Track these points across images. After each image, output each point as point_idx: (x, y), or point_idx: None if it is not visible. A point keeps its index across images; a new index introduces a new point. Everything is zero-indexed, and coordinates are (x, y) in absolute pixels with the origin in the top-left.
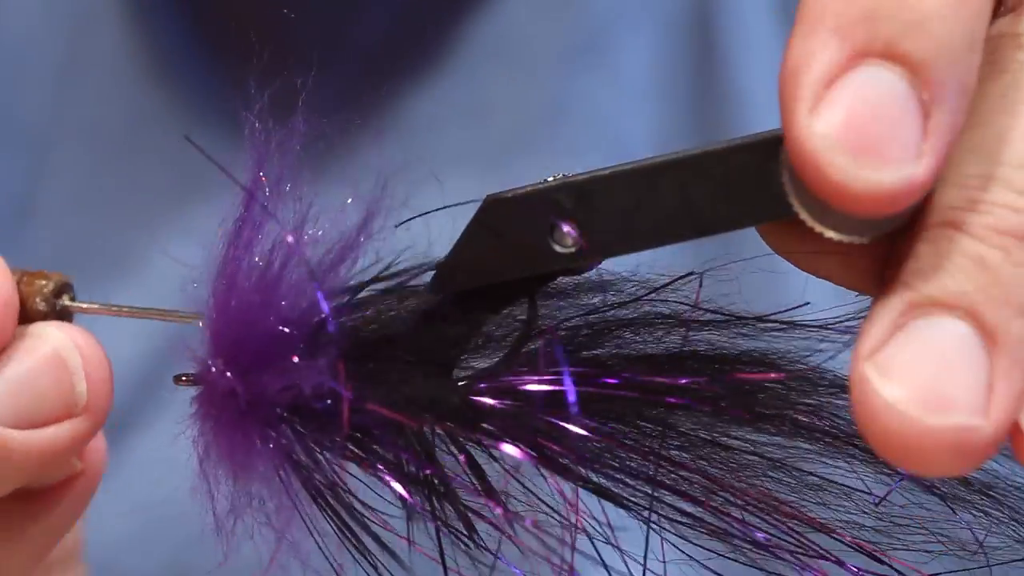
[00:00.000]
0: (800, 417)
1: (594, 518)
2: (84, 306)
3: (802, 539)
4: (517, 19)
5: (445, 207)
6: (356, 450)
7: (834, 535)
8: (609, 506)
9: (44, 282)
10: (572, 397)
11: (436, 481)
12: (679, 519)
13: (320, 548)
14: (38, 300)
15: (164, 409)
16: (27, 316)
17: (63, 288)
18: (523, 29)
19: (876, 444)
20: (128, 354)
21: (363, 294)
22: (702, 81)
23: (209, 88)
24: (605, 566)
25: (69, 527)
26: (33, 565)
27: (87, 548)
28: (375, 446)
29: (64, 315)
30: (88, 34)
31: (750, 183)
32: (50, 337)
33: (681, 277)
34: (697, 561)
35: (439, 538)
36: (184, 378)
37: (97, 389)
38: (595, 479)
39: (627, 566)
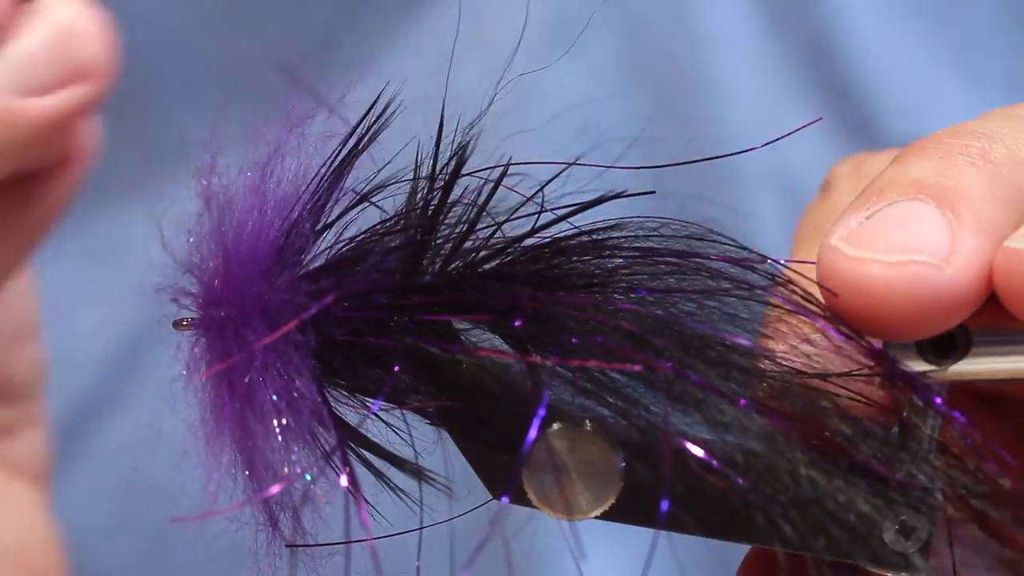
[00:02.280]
0: None
1: None
2: None
3: None
4: (486, 6)
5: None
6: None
7: None
8: None
9: None
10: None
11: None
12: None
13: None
14: None
15: (138, 393)
16: None
17: None
18: (493, 17)
19: (842, 300)
20: (100, 339)
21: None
22: (676, 69)
23: (173, 66)
24: None
25: (58, 214)
26: (23, 255)
27: (62, 533)
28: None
29: None
30: None
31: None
32: (57, 9)
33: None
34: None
35: None
36: (184, 323)
37: (103, 54)
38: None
39: None
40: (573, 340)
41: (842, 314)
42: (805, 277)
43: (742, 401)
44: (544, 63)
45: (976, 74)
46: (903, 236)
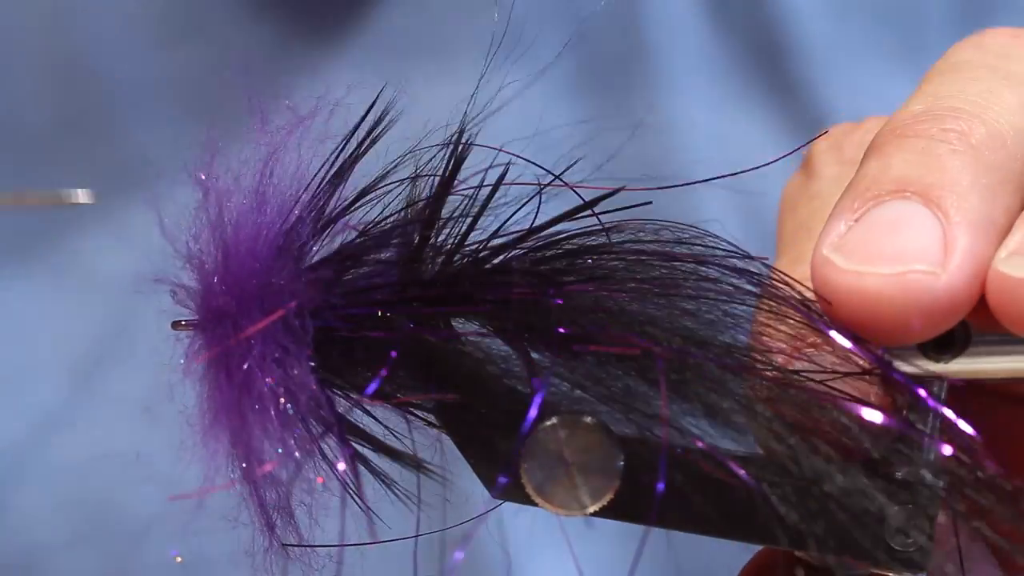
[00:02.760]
0: None
1: None
2: None
3: None
4: (435, 13)
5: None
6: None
7: None
8: None
9: None
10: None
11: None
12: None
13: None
14: None
15: (96, 405)
16: None
17: None
18: (442, 24)
19: (839, 312)
20: (59, 354)
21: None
22: (626, 73)
23: (132, 86)
24: None
25: None
26: None
27: (20, 548)
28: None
29: None
30: (8, 34)
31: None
32: None
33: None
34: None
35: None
36: (183, 323)
37: None
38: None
39: None
40: (571, 331)
41: (839, 322)
42: (801, 285)
43: (743, 391)
44: (495, 67)
45: (924, 69)
46: (895, 243)
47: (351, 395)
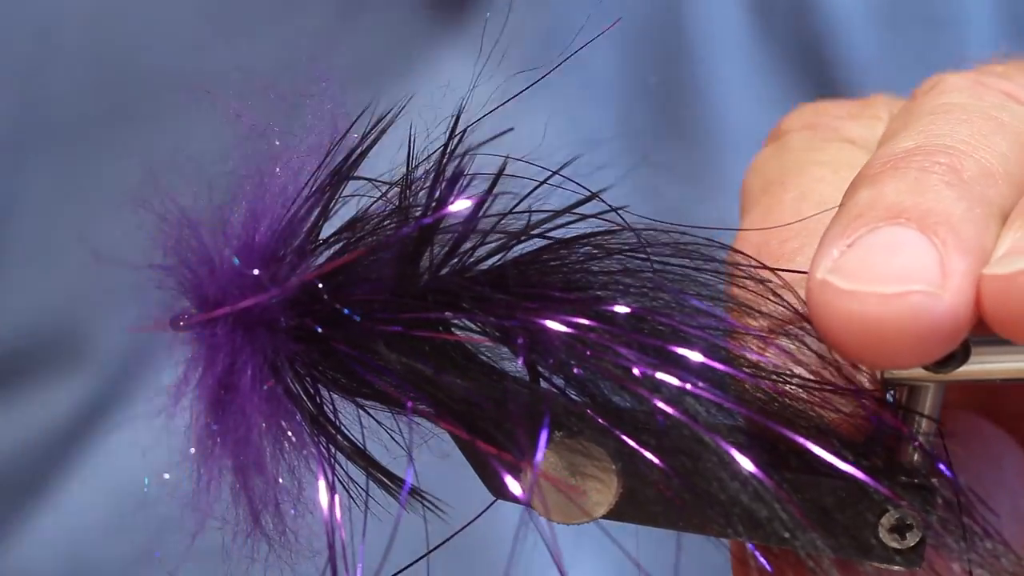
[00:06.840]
0: None
1: None
2: None
3: None
4: (482, 21)
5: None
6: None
7: None
8: None
9: None
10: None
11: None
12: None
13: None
14: None
15: (136, 397)
16: None
17: None
18: (490, 31)
19: (840, 336)
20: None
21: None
22: (670, 76)
23: (182, 80)
24: None
25: None
26: None
27: (57, 537)
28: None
29: None
30: (56, 27)
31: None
32: None
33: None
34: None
35: None
36: (182, 323)
37: None
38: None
39: None
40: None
41: (838, 349)
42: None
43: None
44: (543, 71)
45: None
46: (894, 264)
47: (357, 402)
